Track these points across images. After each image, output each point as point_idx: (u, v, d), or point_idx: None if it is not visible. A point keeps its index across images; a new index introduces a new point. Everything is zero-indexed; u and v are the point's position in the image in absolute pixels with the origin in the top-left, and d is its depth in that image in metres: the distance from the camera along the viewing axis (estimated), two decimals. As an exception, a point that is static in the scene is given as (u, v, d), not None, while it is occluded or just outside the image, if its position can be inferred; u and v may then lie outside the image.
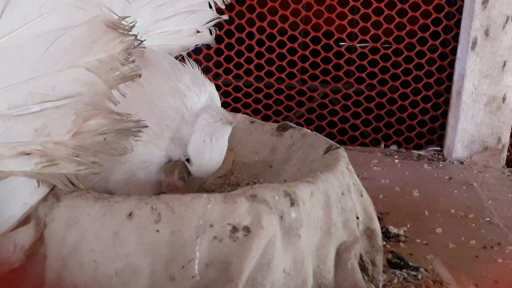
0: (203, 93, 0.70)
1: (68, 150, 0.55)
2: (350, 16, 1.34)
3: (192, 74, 0.71)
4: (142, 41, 0.56)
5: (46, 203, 0.58)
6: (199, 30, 0.87)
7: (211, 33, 0.88)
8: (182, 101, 0.68)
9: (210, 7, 0.86)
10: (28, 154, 0.54)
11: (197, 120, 0.68)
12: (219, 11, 0.88)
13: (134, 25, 0.56)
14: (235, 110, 1.36)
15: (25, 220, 0.57)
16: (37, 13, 0.52)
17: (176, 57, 0.84)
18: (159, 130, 0.67)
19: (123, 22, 0.55)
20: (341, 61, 1.38)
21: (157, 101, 0.67)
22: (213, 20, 0.87)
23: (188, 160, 0.69)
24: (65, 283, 0.56)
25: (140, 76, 0.56)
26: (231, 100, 1.41)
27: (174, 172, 0.68)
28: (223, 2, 0.86)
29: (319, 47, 1.37)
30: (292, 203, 0.60)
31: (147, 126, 0.58)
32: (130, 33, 0.55)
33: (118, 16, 0.55)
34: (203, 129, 0.68)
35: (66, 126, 0.54)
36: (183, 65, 0.72)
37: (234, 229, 0.57)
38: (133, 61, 0.55)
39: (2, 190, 0.56)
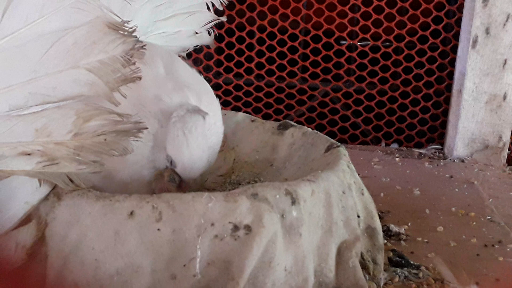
0: (177, 95, 0.68)
1: (69, 150, 0.55)
2: (350, 15, 1.34)
3: (176, 78, 0.69)
4: (144, 44, 0.56)
5: (47, 202, 0.58)
6: (198, 31, 0.87)
7: (209, 34, 0.88)
8: (158, 106, 0.66)
9: (208, 8, 0.86)
10: (29, 154, 0.54)
11: (170, 120, 0.66)
12: (218, 11, 0.88)
13: (136, 27, 0.55)
14: (236, 109, 1.35)
15: (26, 219, 0.57)
16: (39, 14, 0.52)
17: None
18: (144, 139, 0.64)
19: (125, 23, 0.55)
20: (342, 60, 1.38)
21: (140, 106, 0.65)
22: (211, 21, 0.87)
23: (171, 162, 0.67)
24: (66, 282, 0.56)
25: (140, 78, 0.56)
26: (232, 99, 1.41)
27: (164, 175, 0.67)
28: (221, 3, 0.86)
29: (319, 46, 1.37)
30: (293, 202, 0.60)
31: (147, 128, 0.58)
32: (131, 34, 0.55)
33: (119, 17, 0.55)
34: (175, 125, 0.65)
35: (67, 127, 0.54)
36: (180, 64, 0.71)
37: (235, 227, 0.57)
38: (134, 63, 0.55)
39: (3, 190, 0.56)
